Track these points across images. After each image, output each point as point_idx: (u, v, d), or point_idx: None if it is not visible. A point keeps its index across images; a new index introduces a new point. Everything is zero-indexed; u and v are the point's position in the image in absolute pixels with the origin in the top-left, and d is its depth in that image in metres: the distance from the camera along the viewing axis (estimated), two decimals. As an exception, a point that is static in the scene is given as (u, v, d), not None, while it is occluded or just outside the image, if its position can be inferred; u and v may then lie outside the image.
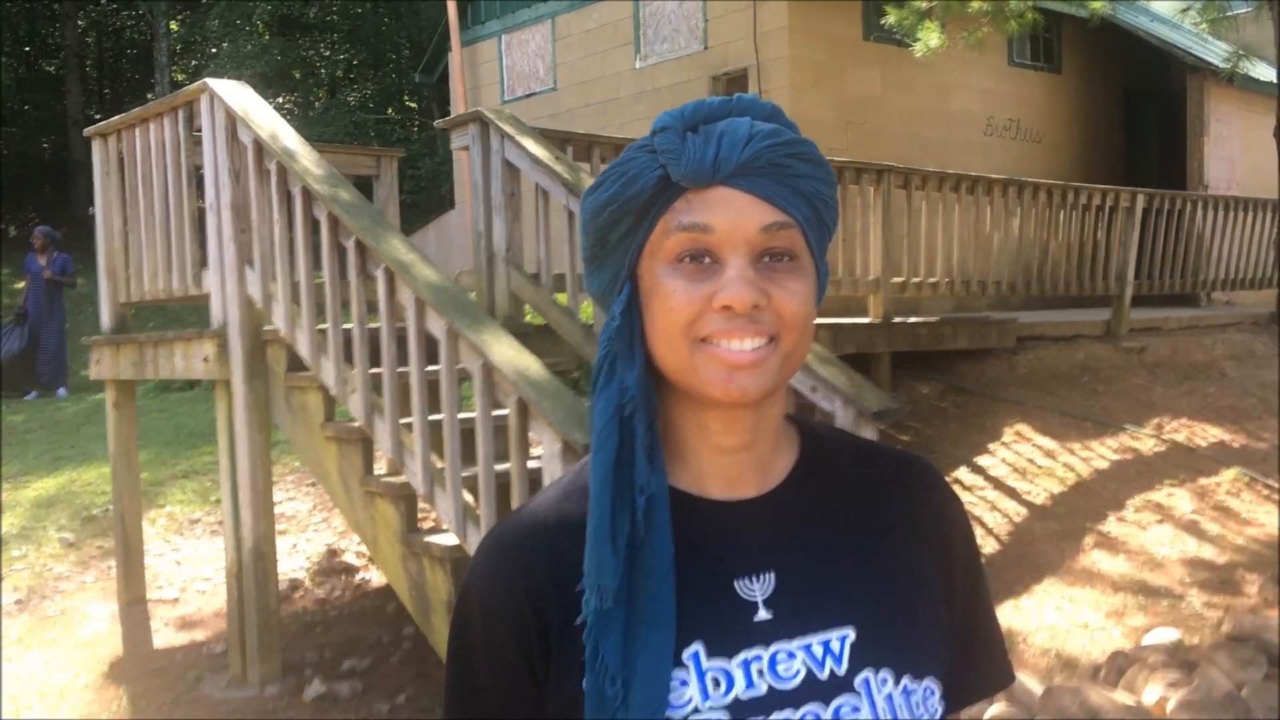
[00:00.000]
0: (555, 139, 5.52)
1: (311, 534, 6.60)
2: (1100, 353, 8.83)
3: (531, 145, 5.10)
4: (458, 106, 13.33)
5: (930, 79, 10.94)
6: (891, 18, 8.14)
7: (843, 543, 1.01)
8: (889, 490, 1.06)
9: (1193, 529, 6.35)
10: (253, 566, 4.72)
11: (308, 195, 4.29)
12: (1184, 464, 7.26)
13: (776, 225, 0.93)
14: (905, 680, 0.96)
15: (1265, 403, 8.76)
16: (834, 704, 0.93)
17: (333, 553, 6.28)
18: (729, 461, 1.00)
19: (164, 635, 5.36)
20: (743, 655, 0.94)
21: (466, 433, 3.86)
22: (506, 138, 5.23)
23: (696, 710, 0.92)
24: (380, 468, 4.57)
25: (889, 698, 0.94)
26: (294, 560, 6.17)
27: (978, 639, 1.10)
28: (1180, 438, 7.67)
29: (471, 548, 3.70)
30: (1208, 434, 7.84)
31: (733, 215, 0.92)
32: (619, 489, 0.95)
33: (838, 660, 0.95)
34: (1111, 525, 6.34)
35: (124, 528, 5.73)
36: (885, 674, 0.95)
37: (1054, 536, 6.16)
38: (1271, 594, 5.35)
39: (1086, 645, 4.88)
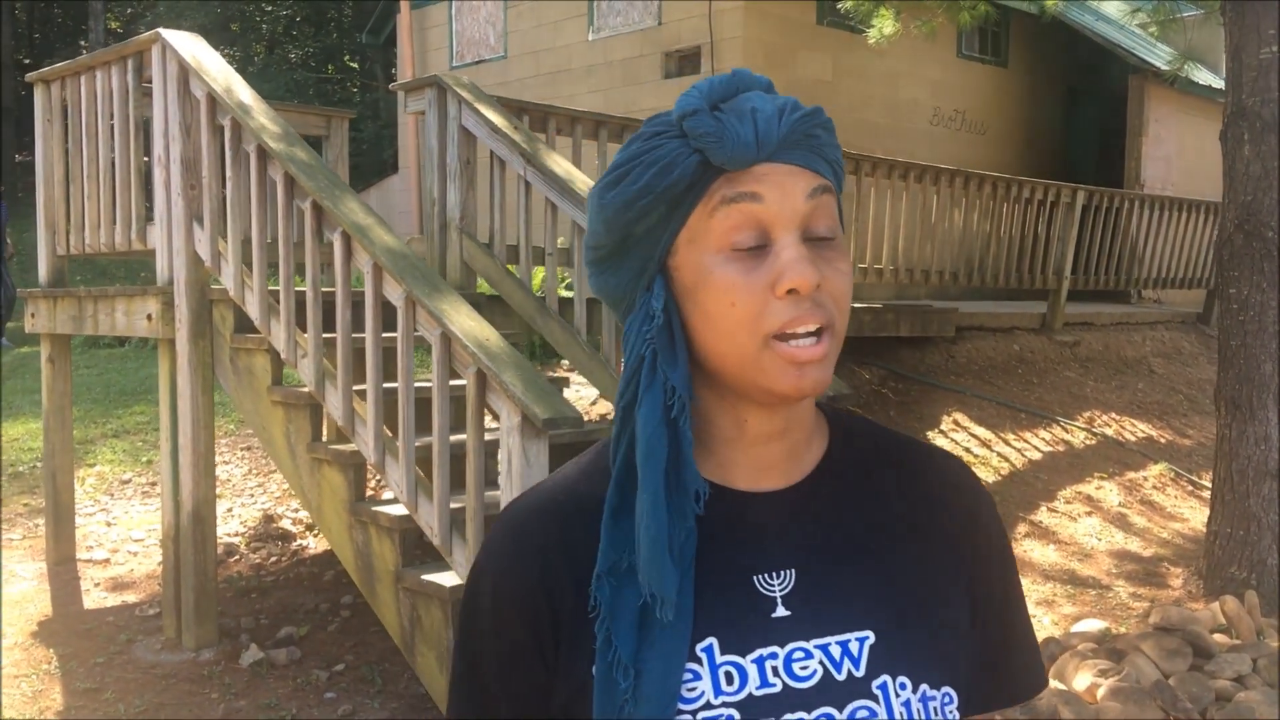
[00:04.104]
0: (511, 108, 5.46)
1: (247, 499, 6.50)
2: (1035, 345, 8.99)
3: (490, 113, 5.04)
4: (404, 70, 13.14)
5: (880, 66, 11.01)
6: (848, 3, 8.17)
7: (866, 542, 0.99)
8: (918, 488, 1.04)
9: (1120, 522, 6.51)
10: (191, 530, 4.64)
11: (262, 153, 4.20)
12: (1113, 457, 7.44)
13: (820, 189, 0.91)
14: (924, 687, 0.94)
15: (1191, 400, 9.00)
16: (849, 708, 0.91)
17: (269, 518, 6.20)
18: (761, 452, 0.98)
19: (94, 596, 5.25)
20: (758, 652, 0.91)
21: (419, 403, 3.82)
22: (464, 104, 5.16)
23: (708, 705, 0.89)
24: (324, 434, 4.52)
25: (906, 704, 0.92)
26: (229, 525, 6.08)
27: (1009, 644, 1.07)
28: (1110, 432, 7.86)
29: (422, 519, 3.67)
30: (1136, 429, 8.04)
31: (779, 186, 0.90)
32: (670, 493, 0.92)
33: (856, 663, 0.92)
34: (1043, 515, 6.48)
35: (55, 486, 5.60)
36: (904, 680, 0.93)
37: (988, 524, 6.26)
38: (1195, 587, 5.50)
39: (1019, 632, 4.97)
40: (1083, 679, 4.14)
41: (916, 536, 1.01)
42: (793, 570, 0.95)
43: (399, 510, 3.87)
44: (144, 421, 7.86)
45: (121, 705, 4.13)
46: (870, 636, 0.94)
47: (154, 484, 6.68)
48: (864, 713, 0.91)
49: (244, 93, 4.39)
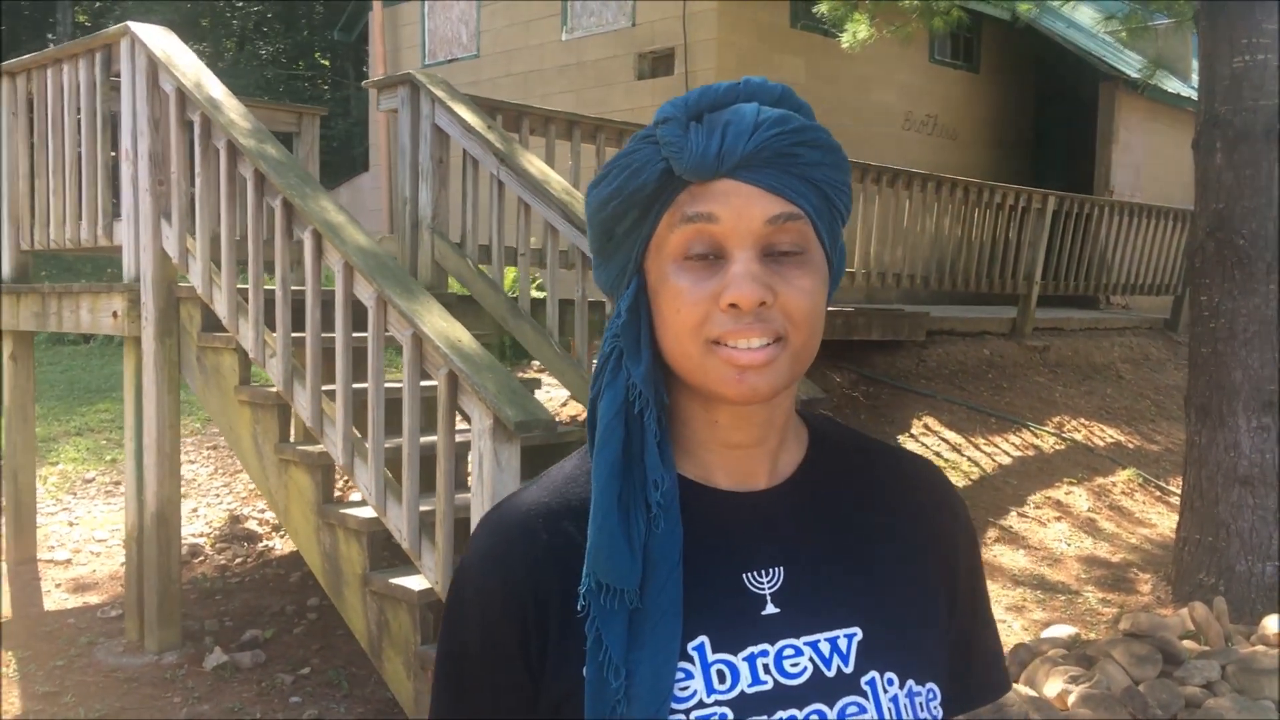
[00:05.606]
0: (485, 106, 5.42)
1: (212, 499, 6.42)
2: (1005, 350, 9.03)
3: (464, 112, 5.00)
4: (376, 68, 13.05)
5: (853, 71, 11.02)
6: (823, 7, 8.16)
7: (850, 540, 1.00)
8: (895, 490, 1.05)
9: (1090, 527, 6.54)
10: (155, 531, 4.56)
11: (232, 149, 4.14)
12: (1082, 463, 7.47)
13: (783, 217, 0.89)
14: (910, 683, 0.94)
15: (1159, 406, 9.06)
16: (839, 704, 0.91)
17: (235, 519, 6.12)
18: (739, 456, 0.98)
19: (55, 597, 5.17)
20: (749, 650, 0.92)
21: (388, 404, 3.77)
22: (438, 102, 5.11)
23: (701, 704, 0.89)
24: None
25: (894, 699, 0.93)
26: (194, 525, 5.99)
27: (976, 646, 1.09)
28: (1079, 437, 7.89)
29: (391, 522, 3.62)
30: (1105, 434, 8.08)
31: (738, 207, 0.89)
32: (628, 486, 0.92)
33: (845, 660, 0.93)
34: (1013, 520, 6.49)
35: (16, 485, 5.50)
36: (891, 675, 0.94)
37: (959, 529, 6.26)
38: (1164, 593, 5.53)
39: (989, 637, 4.98)
40: (1053, 685, 4.15)
41: (895, 536, 1.02)
42: (781, 568, 0.96)
43: (367, 513, 3.82)
44: (108, 419, 7.75)
45: (82, 709, 4.06)
46: (858, 633, 0.95)
47: (118, 483, 6.58)
48: (854, 708, 0.92)
49: (215, 88, 4.32)
